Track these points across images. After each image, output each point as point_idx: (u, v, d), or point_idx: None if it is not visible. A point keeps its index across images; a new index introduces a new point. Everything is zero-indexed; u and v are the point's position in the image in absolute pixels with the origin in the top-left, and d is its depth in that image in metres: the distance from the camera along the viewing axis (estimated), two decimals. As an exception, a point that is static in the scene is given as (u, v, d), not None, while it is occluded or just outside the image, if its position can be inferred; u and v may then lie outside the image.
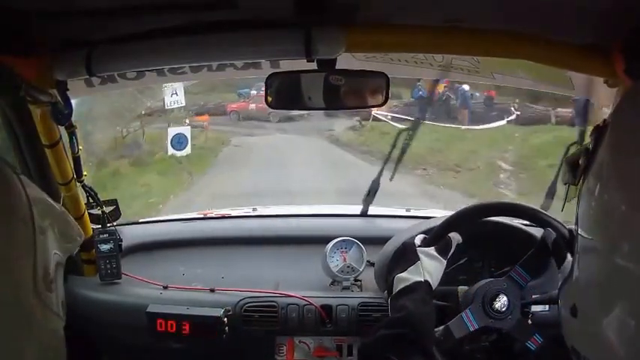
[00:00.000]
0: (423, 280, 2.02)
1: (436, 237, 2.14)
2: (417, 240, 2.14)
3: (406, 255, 2.11)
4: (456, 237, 2.15)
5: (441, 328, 2.06)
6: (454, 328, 2.05)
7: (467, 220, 2.20)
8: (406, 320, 1.92)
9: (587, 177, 1.31)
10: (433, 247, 2.11)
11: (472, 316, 2.05)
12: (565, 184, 1.61)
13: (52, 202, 1.80)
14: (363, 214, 3.00)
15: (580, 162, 1.39)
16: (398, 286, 2.04)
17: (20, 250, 1.45)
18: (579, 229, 1.31)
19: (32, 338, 1.51)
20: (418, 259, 2.06)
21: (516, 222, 2.37)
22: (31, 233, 1.48)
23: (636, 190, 1.09)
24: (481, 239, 2.35)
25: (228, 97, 19.92)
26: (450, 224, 2.17)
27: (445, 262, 2.10)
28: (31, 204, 1.46)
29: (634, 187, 1.10)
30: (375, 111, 14.92)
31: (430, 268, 2.06)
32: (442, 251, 2.10)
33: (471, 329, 2.04)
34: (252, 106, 18.77)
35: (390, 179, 3.00)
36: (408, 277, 2.04)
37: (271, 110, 14.42)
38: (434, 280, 2.05)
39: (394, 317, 1.98)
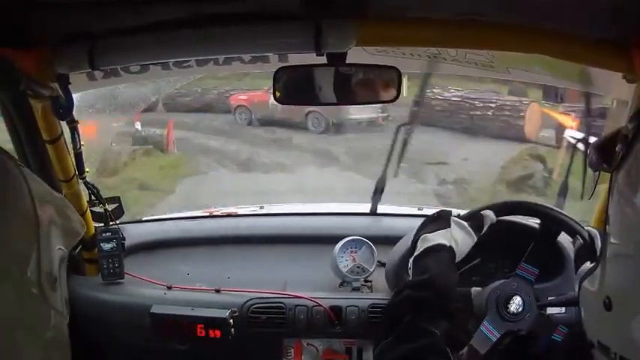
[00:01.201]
0: (448, 244, 2.00)
1: (471, 215, 2.14)
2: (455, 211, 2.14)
3: (439, 220, 2.10)
4: (490, 216, 2.13)
5: (465, 350, 2.02)
6: (478, 344, 2.02)
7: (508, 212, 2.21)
8: (430, 283, 1.91)
9: (624, 165, 1.25)
10: (468, 222, 2.10)
11: (491, 327, 2.02)
12: (595, 170, 1.57)
13: (54, 193, 1.77)
14: (374, 212, 2.96)
15: (617, 149, 1.33)
16: (422, 246, 2.02)
17: (23, 245, 1.42)
18: (611, 225, 1.26)
19: (36, 336, 1.48)
20: (449, 226, 2.05)
21: (531, 221, 2.33)
22: (34, 227, 1.44)
23: None
24: (495, 240, 2.30)
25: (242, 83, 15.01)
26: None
27: (475, 238, 2.09)
28: (33, 197, 1.43)
29: None
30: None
31: (458, 237, 2.05)
32: (475, 228, 2.09)
33: (494, 339, 2.01)
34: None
35: (394, 175, 2.96)
36: (434, 238, 2.02)
37: (311, 109, 13.08)
38: (459, 251, 2.04)
39: (418, 279, 1.96)
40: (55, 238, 1.62)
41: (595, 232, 2.04)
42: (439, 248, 1.99)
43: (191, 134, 13.64)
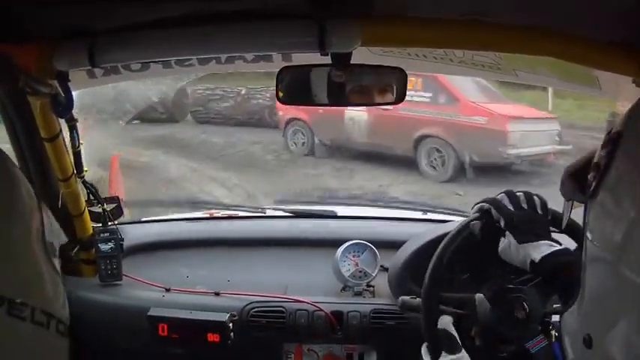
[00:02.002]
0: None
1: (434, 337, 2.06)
2: (424, 355, 2.08)
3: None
4: (445, 322, 2.05)
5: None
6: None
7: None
8: None
9: (599, 194, 1.22)
10: (443, 353, 2.02)
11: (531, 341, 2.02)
12: (568, 200, 1.53)
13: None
14: (377, 216, 2.95)
15: (589, 177, 1.30)
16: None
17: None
18: (588, 253, 1.24)
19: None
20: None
21: None
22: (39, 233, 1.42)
23: None
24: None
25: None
26: (465, 231, 2.11)
27: (463, 354, 2.02)
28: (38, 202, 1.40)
29: None
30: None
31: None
32: (451, 348, 2.01)
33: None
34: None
35: None
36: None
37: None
38: None
39: None
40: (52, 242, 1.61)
41: None
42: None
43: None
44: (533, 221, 2.01)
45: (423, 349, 2.08)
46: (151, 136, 10.83)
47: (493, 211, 2.04)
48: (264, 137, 10.70)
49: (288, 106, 8.85)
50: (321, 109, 8.87)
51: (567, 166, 1.48)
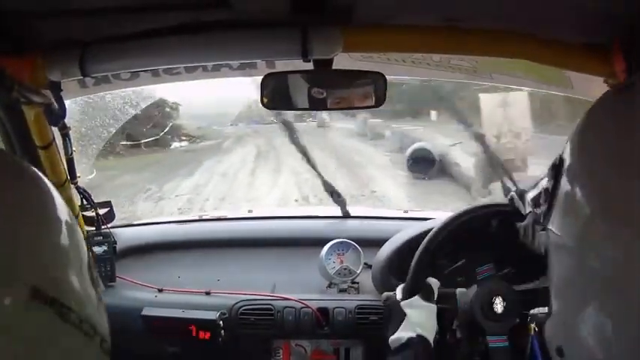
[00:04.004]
0: (415, 335, 2.00)
1: (413, 282, 2.11)
2: (398, 292, 2.12)
3: (392, 314, 2.10)
4: (433, 281, 2.12)
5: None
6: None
7: (466, 224, 2.18)
8: None
9: (550, 217, 1.28)
10: (417, 296, 2.08)
11: (494, 337, 2.05)
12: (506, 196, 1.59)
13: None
14: (360, 215, 2.99)
15: (541, 202, 1.37)
16: (393, 347, 2.02)
17: None
18: (550, 284, 1.30)
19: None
20: (404, 315, 2.05)
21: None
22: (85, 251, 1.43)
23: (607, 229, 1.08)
24: (480, 241, 2.33)
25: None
26: (446, 229, 2.16)
27: (434, 305, 2.08)
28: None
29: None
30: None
31: (420, 319, 2.04)
32: (427, 297, 2.08)
33: (507, 344, 2.04)
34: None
35: None
36: (399, 336, 2.02)
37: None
38: (428, 331, 2.03)
39: None
40: None
41: None
42: (408, 343, 2.00)
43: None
44: None
45: (398, 290, 2.13)
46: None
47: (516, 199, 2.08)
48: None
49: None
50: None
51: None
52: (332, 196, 2.96)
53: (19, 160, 1.13)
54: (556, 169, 1.25)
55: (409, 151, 7.10)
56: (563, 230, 1.21)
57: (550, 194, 1.27)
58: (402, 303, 2.07)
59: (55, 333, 0.95)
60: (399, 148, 11.84)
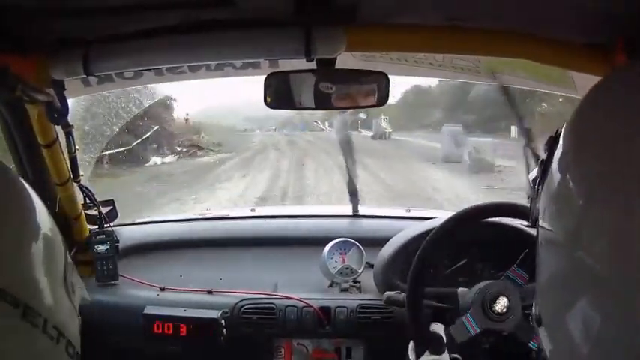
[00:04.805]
0: None
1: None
2: (410, 352, 2.13)
3: (432, 342, 2.09)
4: (438, 327, 2.12)
5: (443, 333, 2.06)
6: (455, 333, 2.05)
7: (467, 223, 2.18)
8: None
9: (542, 191, 1.28)
10: (427, 352, 2.08)
11: (472, 320, 2.04)
12: (528, 198, 1.59)
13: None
14: (363, 215, 3.00)
15: (535, 175, 1.37)
16: None
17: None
18: (540, 241, 1.30)
19: None
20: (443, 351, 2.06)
21: (516, 222, 2.36)
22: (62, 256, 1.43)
23: (595, 193, 1.07)
24: (481, 240, 2.34)
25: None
26: (448, 228, 2.15)
27: (447, 354, 2.08)
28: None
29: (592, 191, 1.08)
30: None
31: None
32: (436, 349, 2.08)
33: (473, 333, 2.04)
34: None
35: None
36: None
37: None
38: None
39: None
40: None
41: None
42: None
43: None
44: None
45: (410, 347, 2.14)
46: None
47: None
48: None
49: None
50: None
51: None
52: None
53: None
54: (552, 141, 1.24)
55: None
56: (553, 223, 1.21)
57: (543, 171, 1.26)
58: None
59: (16, 331, 0.96)
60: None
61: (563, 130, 1.19)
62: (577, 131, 1.17)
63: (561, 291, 1.15)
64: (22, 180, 1.12)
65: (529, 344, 2.02)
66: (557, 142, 1.18)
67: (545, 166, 1.22)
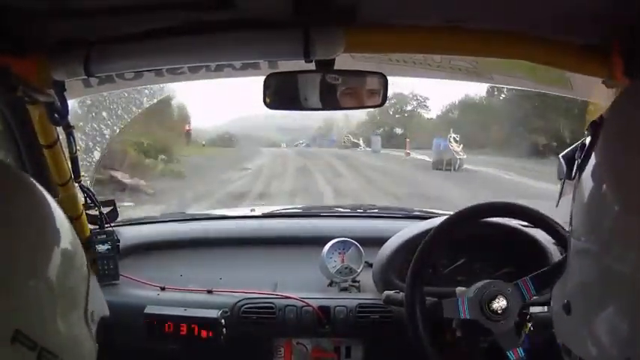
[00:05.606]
0: None
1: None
2: None
3: None
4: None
5: (434, 300, 2.09)
6: (446, 306, 2.07)
7: (465, 223, 2.19)
8: None
9: (582, 174, 1.29)
10: None
11: (467, 305, 2.06)
12: (560, 179, 1.60)
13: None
14: (362, 214, 3.00)
15: (576, 157, 1.37)
16: None
17: None
18: (573, 227, 1.30)
19: None
20: None
21: (514, 223, 2.37)
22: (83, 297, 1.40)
23: (630, 190, 1.07)
24: (479, 240, 2.35)
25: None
26: (446, 228, 2.17)
27: None
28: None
29: (628, 186, 1.08)
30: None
31: None
32: None
33: (461, 316, 2.06)
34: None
35: None
36: None
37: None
38: None
39: None
40: None
41: None
42: None
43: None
44: None
45: None
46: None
47: None
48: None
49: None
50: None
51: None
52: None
53: (21, 175, 1.12)
54: (595, 127, 1.25)
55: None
56: (584, 226, 1.21)
57: (585, 153, 1.27)
58: None
59: None
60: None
61: (605, 115, 1.20)
62: (610, 136, 1.18)
63: (592, 290, 1.16)
64: (44, 191, 1.11)
65: (507, 353, 2.04)
66: (601, 126, 1.19)
67: (587, 151, 1.23)
